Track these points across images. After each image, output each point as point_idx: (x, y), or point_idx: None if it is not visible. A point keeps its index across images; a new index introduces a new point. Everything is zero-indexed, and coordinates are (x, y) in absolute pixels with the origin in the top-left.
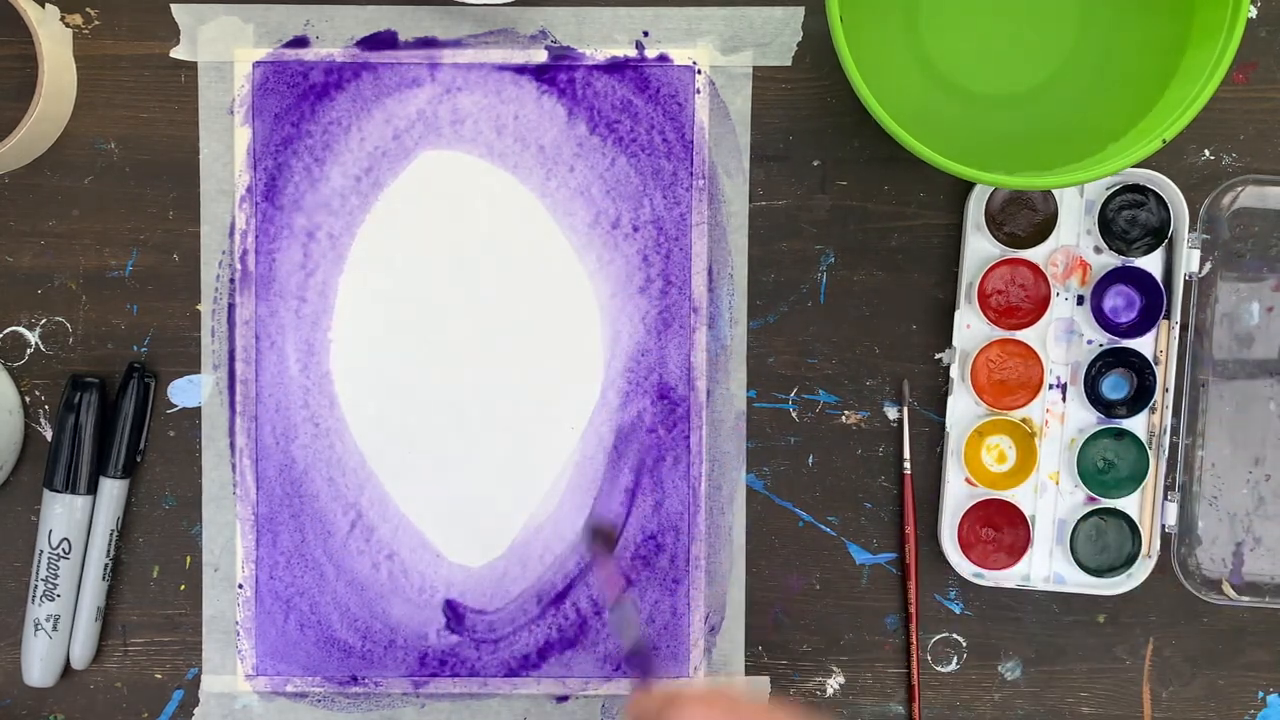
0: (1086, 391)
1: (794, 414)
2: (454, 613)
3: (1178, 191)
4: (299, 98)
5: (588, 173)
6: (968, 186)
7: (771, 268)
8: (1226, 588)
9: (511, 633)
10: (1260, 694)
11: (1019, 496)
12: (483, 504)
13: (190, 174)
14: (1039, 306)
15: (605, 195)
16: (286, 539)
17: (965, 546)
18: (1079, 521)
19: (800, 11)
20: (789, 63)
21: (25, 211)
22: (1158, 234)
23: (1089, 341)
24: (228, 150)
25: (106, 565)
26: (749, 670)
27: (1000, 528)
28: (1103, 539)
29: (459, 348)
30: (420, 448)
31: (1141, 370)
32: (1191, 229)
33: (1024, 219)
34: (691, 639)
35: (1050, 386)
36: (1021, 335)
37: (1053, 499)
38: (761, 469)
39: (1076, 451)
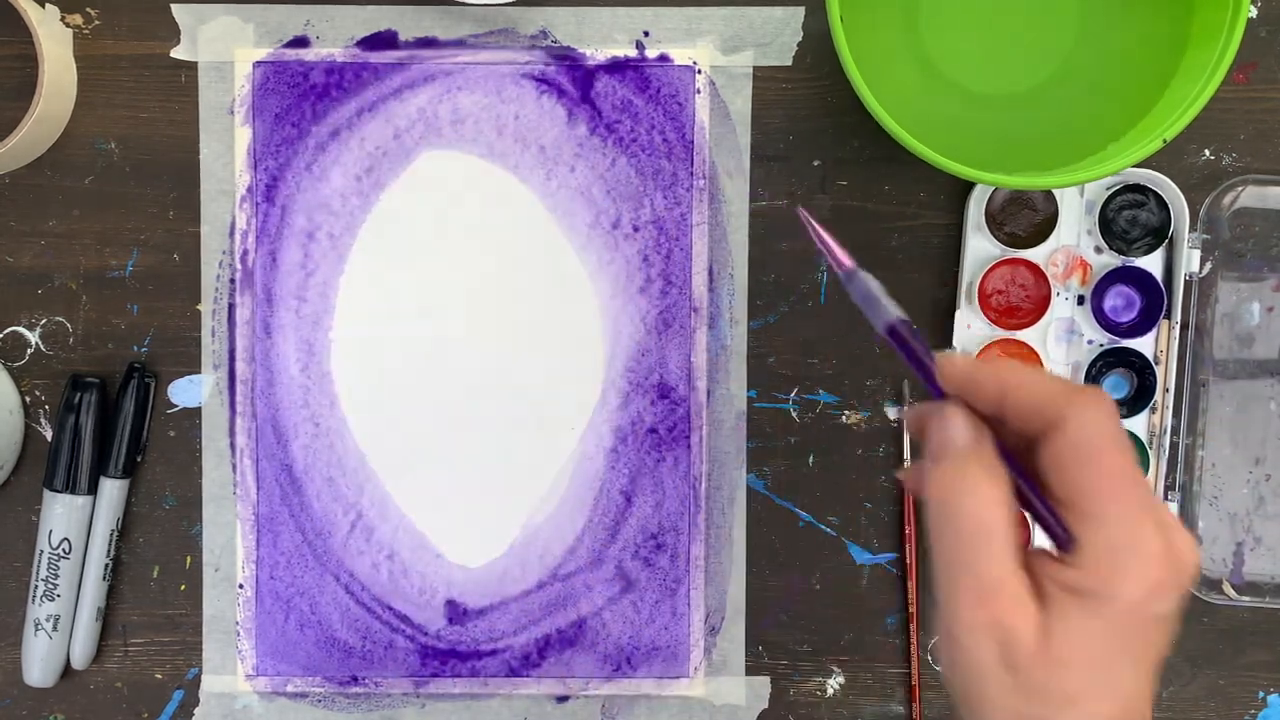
0: None
1: (794, 414)
2: (454, 612)
3: (1178, 191)
4: (299, 98)
5: (588, 173)
6: (968, 186)
7: (771, 268)
8: (1227, 588)
9: (511, 633)
10: (1260, 694)
11: None
12: (483, 504)
13: (190, 174)
14: (1039, 306)
15: (605, 195)
16: (286, 539)
17: None
18: None
19: (800, 11)
20: (789, 63)
21: (25, 211)
22: (1158, 234)
23: (1089, 341)
24: (228, 150)
25: (107, 565)
26: (749, 670)
27: None
28: None
29: (459, 348)
30: (420, 447)
31: (1142, 370)
32: (1192, 229)
33: (1024, 219)
34: (691, 639)
35: None
36: (1022, 335)
37: None
38: (762, 469)
39: None
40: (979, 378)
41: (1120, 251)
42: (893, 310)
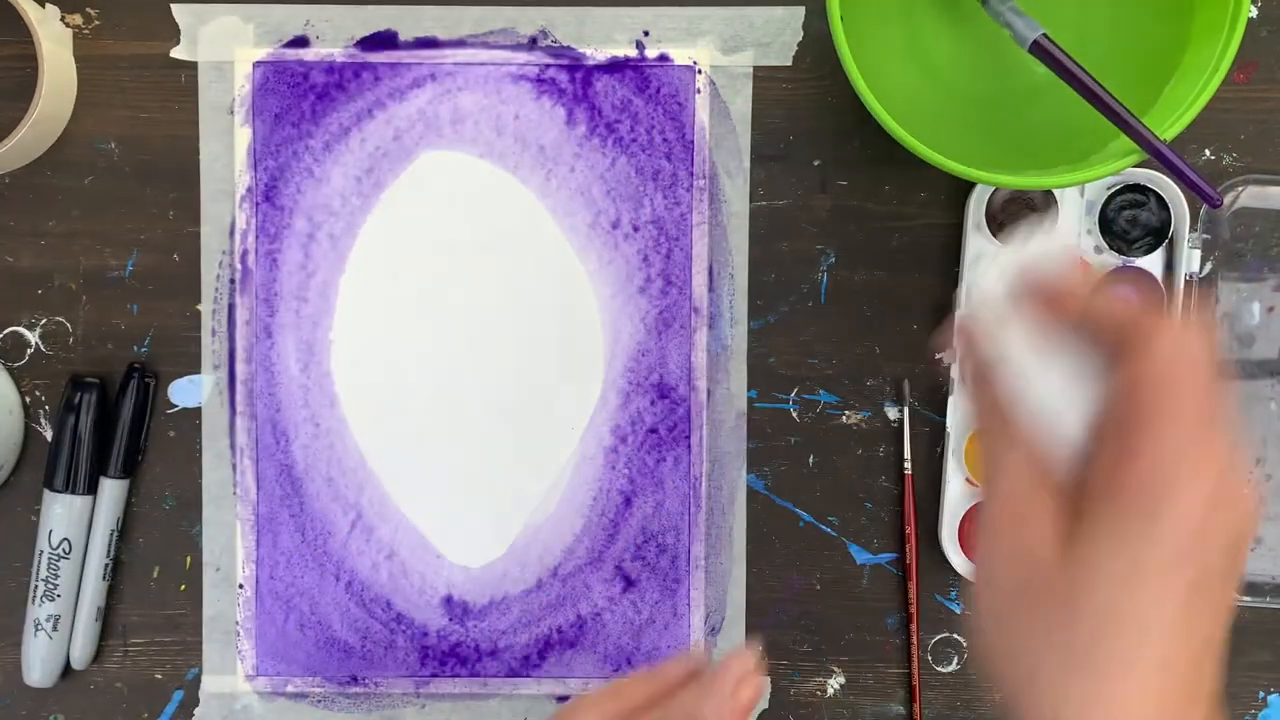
0: None
1: (794, 414)
2: (454, 613)
3: (1178, 191)
4: (299, 98)
5: (588, 173)
6: (968, 186)
7: (771, 268)
8: None
9: (512, 633)
10: (1261, 694)
11: None
12: (483, 504)
13: (190, 174)
14: None
15: (605, 195)
16: (286, 539)
17: (965, 546)
18: None
19: (801, 11)
20: (789, 63)
21: (25, 211)
22: (1158, 234)
23: None
24: (228, 150)
25: (106, 565)
26: None
27: None
28: None
29: (459, 348)
30: (420, 448)
31: None
32: (1192, 229)
33: (1024, 219)
34: (691, 639)
35: None
36: None
37: None
38: (762, 469)
39: None
40: (1066, 288)
41: (1120, 251)
42: None
